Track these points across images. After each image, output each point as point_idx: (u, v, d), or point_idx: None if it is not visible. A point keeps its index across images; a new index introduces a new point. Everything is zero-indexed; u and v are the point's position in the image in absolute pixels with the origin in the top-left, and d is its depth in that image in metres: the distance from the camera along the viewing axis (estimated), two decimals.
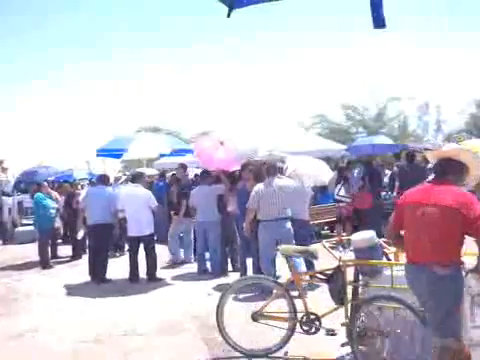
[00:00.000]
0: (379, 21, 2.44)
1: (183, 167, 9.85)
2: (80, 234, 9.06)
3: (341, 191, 10.94)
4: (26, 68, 49.66)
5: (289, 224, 6.87)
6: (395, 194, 11.46)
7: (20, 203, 15.19)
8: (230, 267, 8.44)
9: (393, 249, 4.65)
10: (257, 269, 7.25)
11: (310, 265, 6.83)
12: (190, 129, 26.71)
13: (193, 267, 8.55)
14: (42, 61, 50.44)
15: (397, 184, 11.21)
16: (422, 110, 28.24)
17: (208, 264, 8.45)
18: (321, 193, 11.60)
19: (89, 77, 54.08)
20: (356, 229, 9.89)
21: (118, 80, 53.50)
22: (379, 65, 41.33)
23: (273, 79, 47.62)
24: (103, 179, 8.96)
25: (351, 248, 4.51)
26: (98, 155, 9.92)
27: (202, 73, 50.68)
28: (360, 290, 4.33)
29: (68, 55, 48.25)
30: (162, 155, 10.83)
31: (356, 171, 11.42)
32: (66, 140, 45.62)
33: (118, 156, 10.32)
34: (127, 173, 12.35)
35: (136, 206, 7.92)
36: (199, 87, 49.94)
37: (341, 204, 10.82)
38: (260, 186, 6.91)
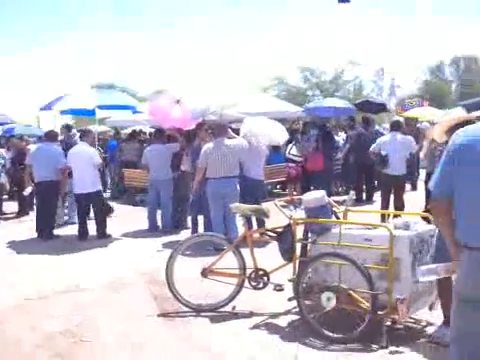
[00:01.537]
0: None
1: (67, 128, 9.58)
2: (28, 190, 8.79)
3: (293, 150, 11.08)
4: None
5: (236, 182, 6.97)
6: (340, 155, 11.68)
7: None
8: (182, 224, 8.42)
9: (342, 208, 4.73)
10: (208, 227, 7.30)
11: (261, 223, 6.93)
12: (145, 87, 26.25)
13: (144, 224, 8.49)
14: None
15: (347, 146, 11.40)
16: (378, 75, 28.68)
17: (159, 221, 8.42)
18: (273, 153, 11.65)
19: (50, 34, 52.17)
20: (306, 189, 10.08)
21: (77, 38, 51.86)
22: (337, 29, 41.42)
23: (233, 40, 47.05)
24: (51, 135, 8.64)
25: (302, 207, 4.53)
26: (63, 112, 9.82)
27: (161, 33, 49.61)
28: (308, 247, 4.38)
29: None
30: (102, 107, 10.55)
31: (311, 133, 11.51)
32: (20, 97, 43.87)
33: (88, 114, 10.25)
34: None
35: (81, 163, 7.82)
36: (157, 46, 48.99)
37: (290, 164, 10.98)
38: (209, 145, 6.99)
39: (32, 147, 9.57)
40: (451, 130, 3.92)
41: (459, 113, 4.14)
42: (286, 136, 8.75)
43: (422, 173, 10.14)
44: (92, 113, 10.19)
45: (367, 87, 28.57)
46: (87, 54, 51.69)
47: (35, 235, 8.11)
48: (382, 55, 45.67)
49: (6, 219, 9.90)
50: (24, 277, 6.00)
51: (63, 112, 10.41)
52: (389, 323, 3.75)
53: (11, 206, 10.67)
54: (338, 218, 4.64)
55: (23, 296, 5.25)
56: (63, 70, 51.81)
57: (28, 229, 8.48)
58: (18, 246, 7.63)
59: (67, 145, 8.86)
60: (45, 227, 8.06)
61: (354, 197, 10.00)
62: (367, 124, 11.38)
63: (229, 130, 7.33)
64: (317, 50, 42.05)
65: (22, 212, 10.13)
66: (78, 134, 10.07)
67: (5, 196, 10.90)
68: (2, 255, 7.15)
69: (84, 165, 7.80)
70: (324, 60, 27.32)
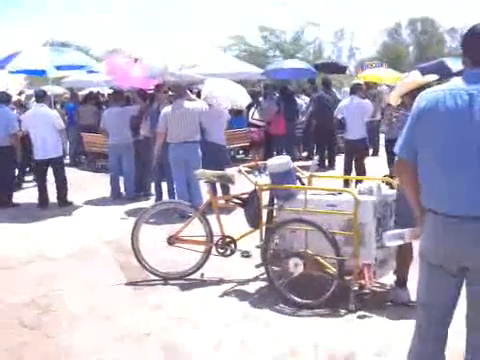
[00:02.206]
0: None
1: None
2: None
3: (255, 115, 11.01)
4: None
5: (197, 147, 6.86)
6: (304, 119, 11.71)
7: None
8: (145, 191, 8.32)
9: (307, 174, 4.76)
10: (172, 193, 7.25)
11: (226, 189, 6.92)
12: (100, 45, 25.38)
13: (106, 191, 8.35)
14: None
15: (310, 109, 11.40)
16: (337, 36, 28.68)
17: (122, 187, 8.28)
18: (235, 117, 11.59)
19: None
20: (269, 154, 10.12)
21: None
22: None
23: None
24: (3, 98, 8.25)
25: (267, 173, 4.53)
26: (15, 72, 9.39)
27: None
28: (275, 213, 4.41)
29: None
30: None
31: (272, 96, 11.47)
32: None
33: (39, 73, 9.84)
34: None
35: (42, 127, 7.51)
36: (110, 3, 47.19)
37: (253, 129, 10.94)
38: (168, 109, 6.81)
39: None
40: (408, 94, 3.99)
41: (415, 77, 4.18)
42: (248, 99, 8.67)
43: (382, 138, 10.29)
44: (43, 72, 9.76)
45: (327, 49, 28.65)
46: (39, 11, 49.21)
47: None
48: (341, 16, 45.56)
49: None
50: None
51: (15, 72, 9.89)
52: (356, 288, 3.85)
53: None
54: (303, 184, 4.66)
55: None
56: (12, 27, 49.21)
57: None
58: None
59: None
60: (3, 195, 7.81)
61: (317, 162, 10.12)
62: (327, 87, 11.39)
63: (188, 92, 7.16)
64: (276, 9, 41.49)
65: None
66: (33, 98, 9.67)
67: None
68: None
69: (45, 129, 7.50)
70: (282, 19, 27.03)
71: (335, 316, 3.76)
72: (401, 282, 3.94)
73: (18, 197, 8.08)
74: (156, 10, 48.99)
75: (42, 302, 4.27)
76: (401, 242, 3.15)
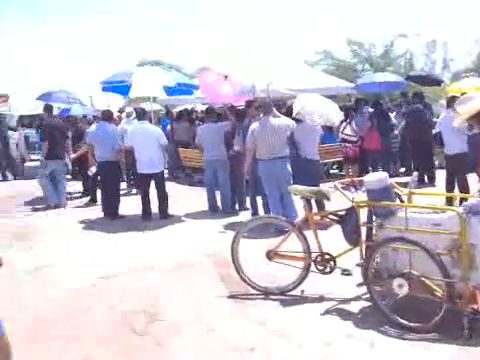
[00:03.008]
0: None
1: (47, 109, 9.77)
2: (92, 170, 9.03)
3: (346, 130, 10.89)
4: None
5: (286, 163, 6.91)
6: (397, 132, 11.38)
7: (26, 138, 15.08)
8: (241, 205, 8.49)
9: (405, 190, 4.63)
10: (267, 208, 7.34)
11: (321, 205, 6.89)
12: (191, 63, 26.32)
13: (202, 204, 8.61)
14: None
15: (402, 124, 11.09)
16: (429, 48, 27.66)
17: (219, 201, 8.50)
18: (326, 132, 11.51)
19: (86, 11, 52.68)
20: (364, 170, 9.95)
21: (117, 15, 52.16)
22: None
23: (278, 13, 46.19)
24: (107, 115, 8.86)
25: (363, 189, 4.45)
26: (103, 89, 9.94)
27: (203, 7, 49.32)
28: (374, 231, 4.34)
29: None
30: (169, 89, 10.37)
31: (364, 110, 11.32)
32: (67, 76, 44.73)
33: (123, 92, 10.35)
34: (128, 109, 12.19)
35: (147, 143, 7.92)
36: (200, 21, 48.88)
37: (347, 144, 10.81)
38: (255, 125, 6.92)
39: (92, 127, 9.84)
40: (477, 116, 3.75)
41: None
42: (341, 116, 8.60)
43: None
44: (126, 92, 10.23)
45: (419, 61, 27.68)
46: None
47: (102, 215, 8.43)
48: (432, 26, 43.75)
49: (72, 199, 10.24)
50: (96, 256, 6.26)
51: (104, 89, 10.40)
52: (469, 313, 3.58)
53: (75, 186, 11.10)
54: (402, 201, 4.54)
55: (97, 274, 5.49)
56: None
57: (95, 209, 8.90)
58: (88, 225, 7.99)
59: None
60: (111, 207, 8.33)
61: (417, 178, 9.74)
62: (420, 99, 11.05)
63: (274, 109, 7.20)
64: (365, 21, 40.78)
65: (87, 191, 10.21)
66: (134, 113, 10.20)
67: (68, 176, 11.29)
68: (74, 234, 7.45)
69: (150, 145, 7.91)
70: (372, 32, 26.57)
71: (446, 342, 3.56)
72: None
73: (123, 209, 8.57)
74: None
75: (150, 311, 4.48)
76: None
